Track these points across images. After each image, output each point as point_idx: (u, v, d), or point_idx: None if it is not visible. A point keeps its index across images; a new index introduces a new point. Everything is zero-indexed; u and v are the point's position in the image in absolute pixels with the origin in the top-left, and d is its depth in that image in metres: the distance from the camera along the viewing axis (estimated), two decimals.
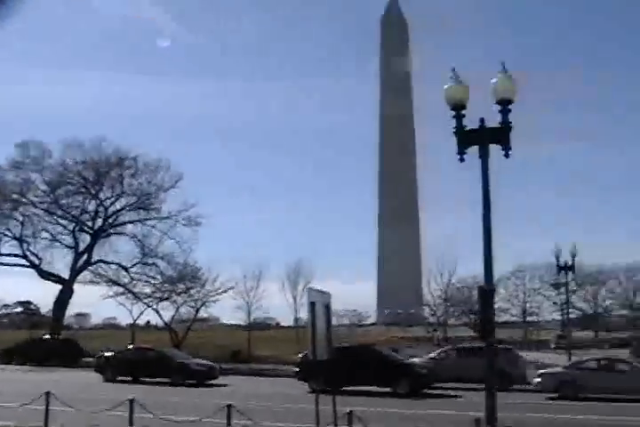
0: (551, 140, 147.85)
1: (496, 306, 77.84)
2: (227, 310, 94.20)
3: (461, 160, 12.29)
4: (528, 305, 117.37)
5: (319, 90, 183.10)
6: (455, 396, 27.83)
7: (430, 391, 28.92)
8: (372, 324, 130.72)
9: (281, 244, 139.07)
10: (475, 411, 15.33)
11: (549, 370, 28.79)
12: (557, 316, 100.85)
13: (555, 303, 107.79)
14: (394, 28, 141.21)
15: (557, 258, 38.09)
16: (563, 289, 42.59)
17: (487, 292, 12.56)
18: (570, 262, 38.02)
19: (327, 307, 13.30)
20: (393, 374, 28.53)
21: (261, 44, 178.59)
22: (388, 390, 28.29)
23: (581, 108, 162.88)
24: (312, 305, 12.58)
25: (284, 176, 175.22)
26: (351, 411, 12.56)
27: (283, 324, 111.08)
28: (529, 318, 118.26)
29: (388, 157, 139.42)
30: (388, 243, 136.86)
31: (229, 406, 14.18)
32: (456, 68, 12.53)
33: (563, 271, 38.48)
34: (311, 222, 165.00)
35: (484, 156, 12.30)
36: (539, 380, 27.91)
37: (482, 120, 12.39)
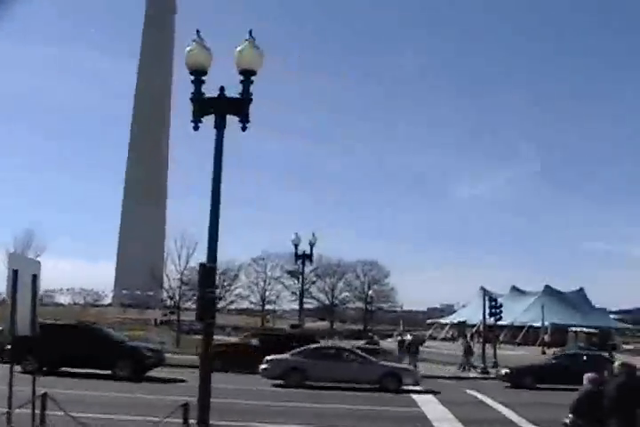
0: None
1: (236, 292, 78.40)
2: None
3: (196, 128, 11.54)
4: (267, 293, 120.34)
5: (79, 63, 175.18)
6: (182, 380, 27.12)
7: (156, 375, 28.05)
8: (109, 304, 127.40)
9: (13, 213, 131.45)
10: (194, 396, 15.39)
11: (276, 356, 28.81)
12: (296, 305, 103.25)
13: (293, 293, 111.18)
14: (156, 3, 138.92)
15: (296, 247, 38.50)
16: (301, 278, 43.01)
17: (208, 270, 11.90)
18: (308, 252, 38.54)
19: (35, 277, 11.93)
20: (114, 356, 27.23)
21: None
22: (109, 372, 27.10)
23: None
24: (14, 273, 11.18)
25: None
26: (45, 393, 11.37)
27: None
28: (268, 307, 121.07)
29: (139, 134, 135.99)
30: (131, 223, 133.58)
31: None
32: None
33: (300, 260, 38.92)
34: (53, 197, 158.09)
35: (219, 127, 11.62)
36: (265, 366, 27.82)
37: (222, 89, 11.71)
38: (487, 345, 43.20)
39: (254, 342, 36.50)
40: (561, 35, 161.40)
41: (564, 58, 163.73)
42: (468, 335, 65.96)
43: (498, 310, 42.60)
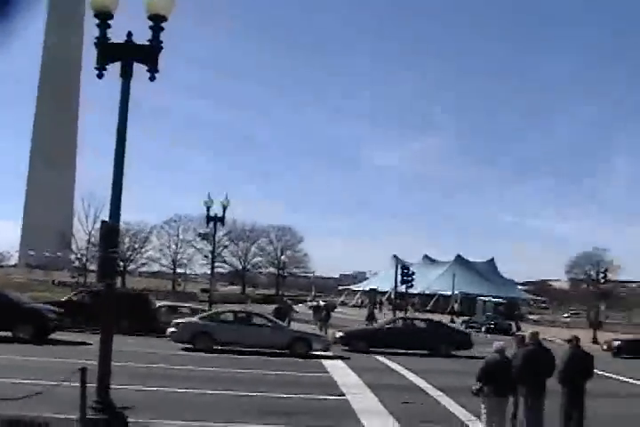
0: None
1: (147, 255, 77.25)
2: None
3: (100, 76, 10.69)
4: (179, 256, 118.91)
5: None
6: (87, 343, 26.29)
7: (61, 338, 27.12)
8: (14, 265, 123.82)
9: None
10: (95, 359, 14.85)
11: (184, 320, 28.23)
12: (208, 269, 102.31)
13: (206, 256, 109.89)
14: None
15: (208, 209, 37.64)
16: (212, 241, 42.24)
17: (110, 228, 11.22)
18: (220, 214, 37.75)
19: None
20: (13, 318, 26.12)
21: None
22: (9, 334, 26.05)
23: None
24: None
25: None
26: None
27: None
28: (179, 270, 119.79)
29: (47, 92, 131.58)
30: (38, 183, 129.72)
31: None
32: None
33: (212, 223, 38.09)
34: None
35: (126, 75, 10.84)
36: (173, 330, 27.20)
37: (129, 34, 10.89)
38: (398, 312, 43.58)
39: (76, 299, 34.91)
40: (482, 6, 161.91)
41: (482, 30, 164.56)
42: (376, 302, 66.75)
43: (410, 278, 42.89)
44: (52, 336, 27.12)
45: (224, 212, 38.36)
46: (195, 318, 28.37)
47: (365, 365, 24.87)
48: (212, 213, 38.23)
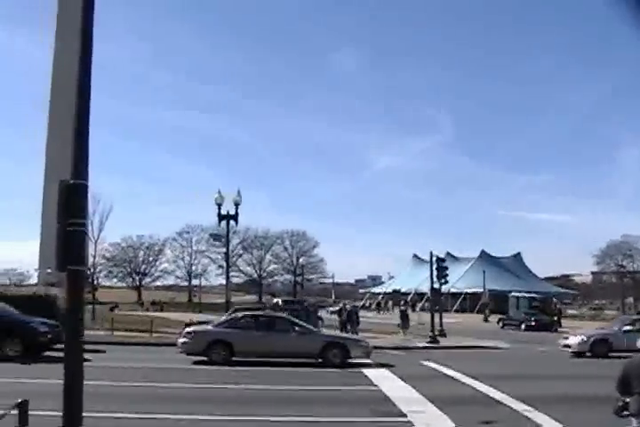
0: None
1: (161, 267, 74.01)
2: None
3: None
4: (194, 267, 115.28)
5: None
6: (85, 359, 22.36)
7: (57, 355, 23.16)
8: (35, 284, 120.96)
9: None
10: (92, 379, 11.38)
11: (197, 328, 24.24)
12: (223, 280, 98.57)
13: (220, 267, 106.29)
14: None
15: (219, 207, 33.66)
16: (225, 241, 38.22)
17: (72, 188, 7.39)
18: (232, 212, 33.73)
19: None
20: (1, 333, 22.31)
21: None
22: None
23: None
24: None
25: None
26: None
27: None
28: (195, 282, 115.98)
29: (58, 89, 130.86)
30: (53, 198, 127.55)
31: None
32: None
33: (225, 221, 34.06)
34: None
35: None
36: (184, 340, 23.11)
37: None
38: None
39: None
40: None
41: (477, 26, 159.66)
42: (402, 303, 63.01)
43: (446, 274, 38.76)
44: (48, 353, 23.09)
45: (237, 209, 34.36)
46: (209, 326, 24.32)
47: (415, 372, 20.82)
48: (223, 212, 34.25)
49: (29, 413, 8.94)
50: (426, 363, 23.92)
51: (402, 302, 51.03)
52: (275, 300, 56.70)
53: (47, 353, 22.87)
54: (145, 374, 18.78)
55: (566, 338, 30.21)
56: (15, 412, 6.44)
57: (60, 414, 6.67)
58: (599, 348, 27.99)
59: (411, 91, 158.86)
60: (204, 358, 22.50)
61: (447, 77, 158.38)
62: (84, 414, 11.30)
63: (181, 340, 23.20)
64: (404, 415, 13.15)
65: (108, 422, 11.58)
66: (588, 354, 28.21)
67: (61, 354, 20.90)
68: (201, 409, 13.39)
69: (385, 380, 18.70)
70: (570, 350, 28.97)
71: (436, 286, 39.29)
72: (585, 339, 28.71)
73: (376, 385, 17.62)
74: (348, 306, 39.82)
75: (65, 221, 7.87)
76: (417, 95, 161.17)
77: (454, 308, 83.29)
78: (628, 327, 28.87)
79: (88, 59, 7.63)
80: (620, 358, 24.75)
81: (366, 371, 20.90)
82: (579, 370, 23.49)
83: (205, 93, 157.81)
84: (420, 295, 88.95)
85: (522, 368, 23.89)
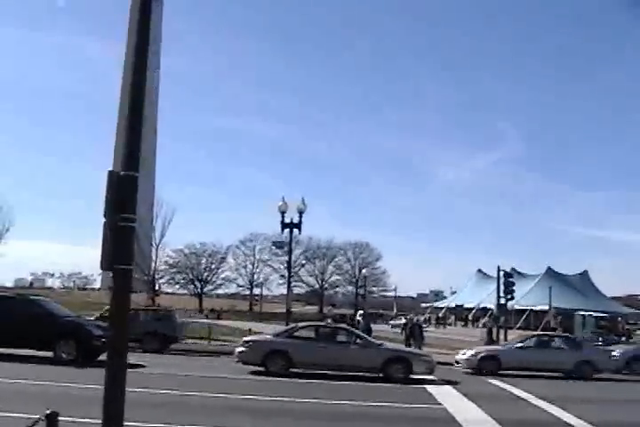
0: None
1: (223, 275, 74.53)
2: None
3: None
4: (255, 276, 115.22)
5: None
6: (140, 365, 22.02)
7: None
8: (98, 289, 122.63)
9: None
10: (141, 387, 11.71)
11: (256, 337, 23.58)
12: (285, 290, 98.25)
13: (282, 276, 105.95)
14: None
15: (283, 214, 33.06)
16: (288, 249, 37.54)
17: (122, 179, 6.76)
18: (296, 220, 33.08)
19: None
20: (53, 334, 21.85)
21: None
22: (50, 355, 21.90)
23: None
24: None
25: None
26: None
27: None
28: (256, 291, 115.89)
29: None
30: None
31: None
32: None
33: (288, 230, 33.43)
34: None
35: None
36: (241, 349, 22.46)
37: None
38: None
39: None
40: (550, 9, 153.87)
41: (549, 38, 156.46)
42: (485, 319, 61.58)
43: (513, 289, 37.46)
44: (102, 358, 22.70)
45: (300, 217, 33.72)
46: (268, 335, 23.64)
47: (482, 391, 19.78)
48: (287, 220, 33.65)
49: (74, 419, 8.44)
50: (492, 381, 22.83)
51: (486, 319, 49.62)
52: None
53: (102, 357, 22.48)
54: (197, 383, 18.19)
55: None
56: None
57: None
58: (487, 364, 26.12)
59: (472, 102, 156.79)
60: (262, 369, 21.87)
61: (519, 91, 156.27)
62: (126, 423, 10.68)
63: (239, 349, 22.56)
64: None
65: None
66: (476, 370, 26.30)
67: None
68: (243, 421, 12.65)
69: (450, 398, 17.72)
70: (457, 366, 27.07)
71: (502, 301, 38.06)
72: (473, 354, 26.83)
73: (440, 403, 16.64)
74: (415, 319, 38.64)
75: (114, 216, 7.21)
76: (480, 106, 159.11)
77: (518, 325, 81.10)
78: (519, 344, 27.64)
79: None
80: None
81: (430, 388, 19.92)
82: None
83: (276, 104, 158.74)
84: (484, 311, 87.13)
85: (593, 390, 22.60)
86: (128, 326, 7.44)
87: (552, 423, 14.55)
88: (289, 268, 39.08)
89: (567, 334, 35.94)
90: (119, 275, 7.17)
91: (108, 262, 7.25)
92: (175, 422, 11.85)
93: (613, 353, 28.16)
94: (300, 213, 33.80)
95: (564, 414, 15.51)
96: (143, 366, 21.61)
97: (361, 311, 50.15)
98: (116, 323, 7.19)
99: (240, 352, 22.33)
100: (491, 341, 37.40)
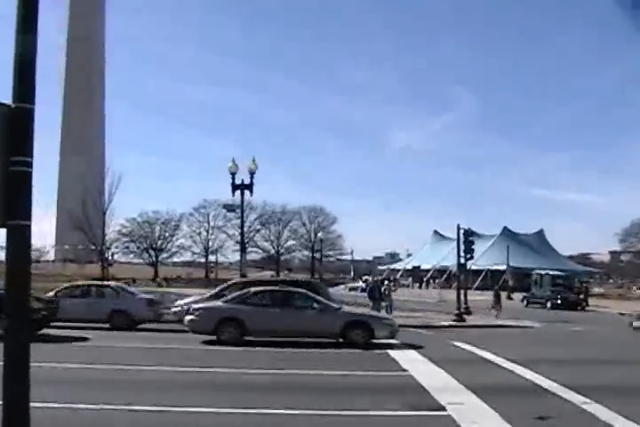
0: None
1: (178, 243, 72.82)
2: None
3: None
4: (210, 243, 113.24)
5: None
6: (83, 338, 20.61)
7: (59, 333, 21.35)
8: (52, 261, 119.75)
9: None
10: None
11: (206, 304, 22.09)
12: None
13: (237, 242, 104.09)
14: None
15: (233, 176, 31.48)
16: (240, 211, 36.00)
17: (15, 112, 5.32)
18: (247, 182, 31.48)
19: None
20: None
21: None
22: None
23: None
24: None
25: None
26: None
27: None
28: (211, 258, 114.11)
29: (73, 82, 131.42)
30: (70, 174, 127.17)
31: None
32: None
33: (239, 191, 31.80)
34: None
35: None
36: (191, 317, 21.04)
37: None
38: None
39: None
40: None
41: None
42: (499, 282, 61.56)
43: (472, 249, 36.60)
44: (44, 331, 21.13)
45: (251, 178, 32.17)
46: (219, 302, 22.21)
47: (449, 356, 18.70)
48: (238, 182, 32.07)
49: None
50: (457, 344, 21.86)
51: (498, 282, 49.05)
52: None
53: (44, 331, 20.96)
54: (146, 355, 16.89)
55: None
56: None
57: None
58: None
59: (428, 66, 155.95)
60: (213, 338, 20.56)
61: (474, 56, 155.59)
62: (56, 404, 9.28)
63: (188, 317, 21.15)
64: (443, 409, 11.06)
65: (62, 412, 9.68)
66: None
67: (59, 332, 18.94)
68: (196, 399, 11.38)
69: (415, 364, 16.60)
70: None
71: (462, 260, 37.20)
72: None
73: (405, 370, 15.53)
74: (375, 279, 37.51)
75: (6, 159, 5.73)
76: (435, 71, 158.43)
77: (475, 285, 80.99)
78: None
79: None
80: None
81: (393, 353, 18.85)
82: (620, 352, 21.46)
83: (228, 69, 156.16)
84: (441, 272, 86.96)
85: (561, 350, 21.75)
86: (28, 294, 6.10)
87: (523, 386, 13.55)
88: (242, 232, 37.67)
89: None
90: (14, 232, 5.73)
91: (4, 215, 5.78)
92: (103, 400, 10.55)
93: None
94: (252, 173, 32.31)
95: (534, 377, 14.55)
96: (88, 339, 20.32)
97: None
98: (14, 291, 5.83)
99: (190, 321, 20.93)
100: (497, 304, 38.05)
